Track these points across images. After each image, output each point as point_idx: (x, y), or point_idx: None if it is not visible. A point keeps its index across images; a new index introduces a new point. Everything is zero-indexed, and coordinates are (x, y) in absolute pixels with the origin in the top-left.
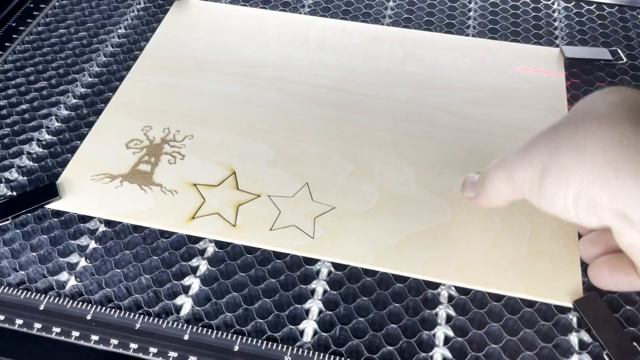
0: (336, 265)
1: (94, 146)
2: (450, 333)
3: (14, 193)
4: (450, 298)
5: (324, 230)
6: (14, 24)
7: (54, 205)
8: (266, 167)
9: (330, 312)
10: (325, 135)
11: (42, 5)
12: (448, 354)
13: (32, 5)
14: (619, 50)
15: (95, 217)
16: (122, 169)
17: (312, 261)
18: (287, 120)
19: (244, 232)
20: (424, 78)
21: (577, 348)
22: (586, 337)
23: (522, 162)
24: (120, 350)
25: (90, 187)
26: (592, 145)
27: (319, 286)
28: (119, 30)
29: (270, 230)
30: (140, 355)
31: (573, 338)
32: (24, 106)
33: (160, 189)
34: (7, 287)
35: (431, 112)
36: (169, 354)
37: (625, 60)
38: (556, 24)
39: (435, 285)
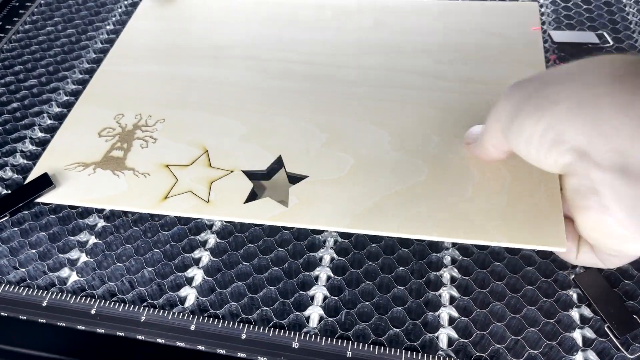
0: (338, 251)
1: (67, 138)
2: (455, 313)
3: (9, 191)
4: (453, 279)
5: (299, 199)
6: (0, 23)
7: (43, 199)
8: (239, 143)
9: (335, 298)
10: (297, 108)
11: (28, 4)
12: (454, 334)
13: (17, 4)
14: (605, 33)
15: (94, 213)
16: (95, 157)
17: (315, 248)
18: (258, 95)
19: (217, 207)
20: (396, 44)
21: (579, 323)
22: (587, 312)
23: (510, 97)
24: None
25: (64, 177)
26: (575, 86)
27: (323, 273)
28: (108, 27)
29: (244, 203)
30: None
31: (574, 313)
32: (14, 104)
33: (133, 173)
34: (8, 285)
35: (404, 76)
36: (177, 344)
37: (611, 43)
38: (543, 9)
39: (438, 267)
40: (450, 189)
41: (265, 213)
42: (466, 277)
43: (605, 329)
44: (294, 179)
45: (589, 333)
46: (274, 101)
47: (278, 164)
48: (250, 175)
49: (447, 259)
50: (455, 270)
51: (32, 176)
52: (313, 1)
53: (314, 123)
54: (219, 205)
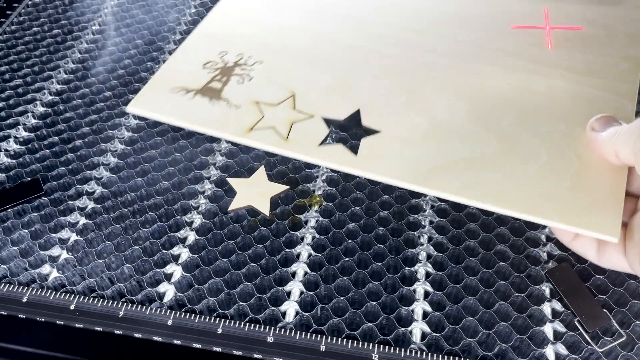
0: (315, 247)
1: (177, 64)
2: (428, 308)
3: None
4: (428, 275)
5: (368, 151)
6: None
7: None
8: (324, 93)
9: (311, 293)
10: (384, 70)
11: (15, 5)
12: (426, 328)
13: (4, 5)
14: None
15: (75, 211)
16: (196, 85)
17: (292, 244)
18: (350, 53)
19: (294, 146)
20: (495, 22)
21: (550, 317)
22: (558, 306)
23: None
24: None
25: (168, 98)
26: None
27: (300, 268)
28: (93, 27)
29: (319, 146)
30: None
31: (546, 308)
32: None
33: (227, 104)
34: None
35: (495, 55)
36: (153, 339)
37: None
38: None
39: (413, 263)
40: (514, 166)
41: (336, 158)
42: (440, 273)
43: (575, 322)
44: (368, 131)
45: (560, 327)
46: (363, 60)
47: (356, 116)
48: (328, 122)
49: (422, 255)
50: (430, 265)
51: (136, 101)
52: None
53: (396, 85)
54: (295, 144)
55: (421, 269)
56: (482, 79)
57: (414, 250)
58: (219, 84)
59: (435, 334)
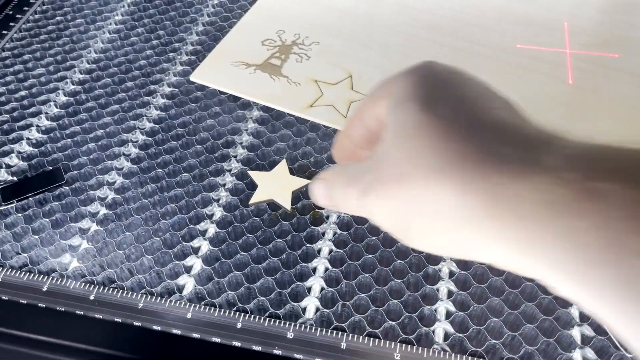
0: (337, 243)
1: (236, 39)
2: (452, 308)
3: (15, 178)
4: (452, 274)
5: None
6: (10, 12)
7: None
8: (379, 74)
9: (332, 289)
10: (434, 57)
11: None
12: (450, 328)
13: None
14: None
15: (96, 201)
16: (256, 60)
17: (313, 239)
18: (403, 39)
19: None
20: (544, 19)
21: (578, 320)
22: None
23: None
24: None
25: (229, 70)
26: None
27: (320, 264)
28: (116, 17)
29: None
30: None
31: (574, 311)
32: (22, 93)
33: (287, 80)
34: (10, 270)
35: (535, 52)
36: (172, 331)
37: None
38: None
39: (436, 261)
40: None
41: None
42: (465, 272)
43: (605, 327)
44: None
45: (588, 331)
46: (416, 46)
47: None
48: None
49: None
50: (454, 264)
51: (199, 71)
52: None
53: None
54: None
55: (445, 268)
56: (523, 72)
57: None
58: (278, 61)
59: (458, 334)
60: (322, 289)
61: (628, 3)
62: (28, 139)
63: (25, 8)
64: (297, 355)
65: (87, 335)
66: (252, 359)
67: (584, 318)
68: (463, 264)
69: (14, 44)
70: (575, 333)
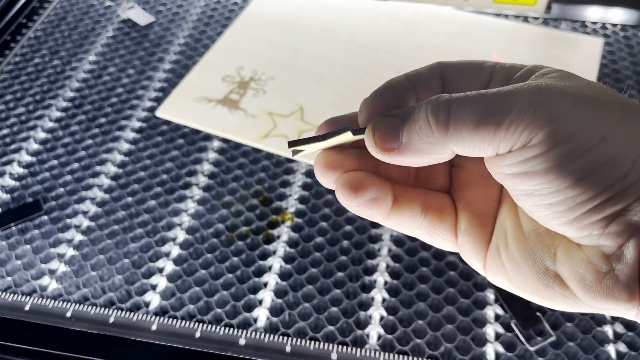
0: (286, 259)
1: (198, 76)
2: (384, 313)
3: (1, 211)
4: (385, 283)
5: None
6: None
7: (167, 116)
8: (329, 107)
9: (281, 300)
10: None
11: (19, 37)
12: (382, 331)
13: (9, 38)
14: None
15: (72, 228)
16: (217, 96)
17: (265, 256)
18: (351, 73)
19: (302, 151)
20: (464, 53)
21: (492, 320)
22: (499, 310)
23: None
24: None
25: (192, 105)
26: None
27: (271, 278)
28: (90, 58)
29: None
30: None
31: (489, 311)
32: (4, 131)
33: (244, 114)
34: None
35: None
36: (140, 340)
37: None
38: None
39: (372, 272)
40: None
41: None
42: (396, 281)
43: (512, 325)
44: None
45: (500, 329)
46: (363, 80)
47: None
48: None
49: (381, 265)
50: (388, 275)
51: (164, 107)
52: (410, 6)
53: None
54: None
55: (380, 278)
56: None
57: (374, 261)
58: (237, 96)
59: (389, 336)
60: (272, 300)
61: (558, 38)
62: (10, 173)
63: (6, 52)
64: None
65: (64, 345)
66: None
67: (497, 318)
68: (395, 275)
69: None
70: (489, 331)
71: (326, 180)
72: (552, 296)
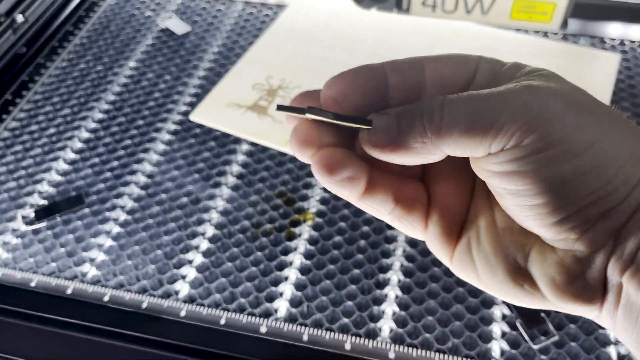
0: (306, 255)
1: (230, 84)
2: (397, 308)
3: (45, 202)
4: (399, 281)
5: None
6: (42, 61)
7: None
8: None
9: (300, 293)
10: None
11: (65, 44)
12: (393, 325)
13: (57, 44)
14: None
15: (110, 220)
16: (247, 102)
17: (287, 252)
18: None
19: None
20: None
21: (498, 319)
22: (506, 310)
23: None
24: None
25: (223, 111)
26: None
27: (292, 273)
28: (130, 64)
29: None
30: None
31: (496, 311)
32: (52, 130)
33: (272, 119)
34: (42, 275)
35: None
36: (168, 324)
37: None
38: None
39: (387, 270)
40: None
41: None
42: (409, 279)
43: (517, 324)
44: None
45: (505, 327)
46: None
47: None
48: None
49: (396, 264)
50: (401, 273)
51: (197, 111)
52: (434, 22)
53: None
54: None
55: (394, 276)
56: None
57: (388, 260)
58: (265, 103)
59: (400, 330)
60: (292, 292)
61: (576, 53)
62: (56, 169)
63: (54, 57)
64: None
65: (101, 319)
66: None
67: (504, 317)
68: (409, 273)
69: (45, 88)
70: (495, 329)
71: (302, 155)
72: (519, 294)
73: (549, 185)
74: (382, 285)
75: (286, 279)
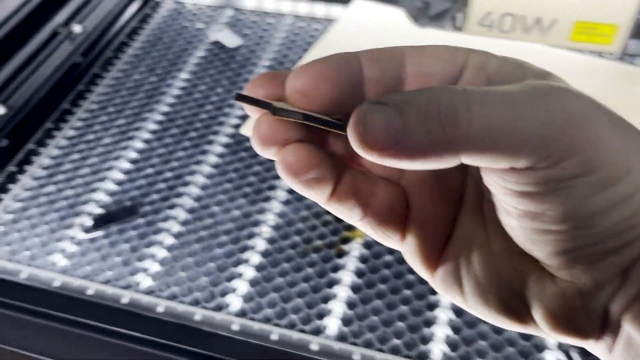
0: (356, 273)
1: None
2: (449, 331)
3: (102, 210)
4: (451, 303)
5: None
6: (98, 71)
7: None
8: None
9: (350, 312)
10: None
11: (120, 54)
12: (446, 348)
13: (112, 55)
14: None
15: (164, 231)
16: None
17: (337, 269)
18: None
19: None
20: None
21: (550, 346)
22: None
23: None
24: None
25: None
26: None
27: (342, 291)
28: (182, 75)
29: None
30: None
31: (549, 339)
32: (107, 140)
33: None
34: (98, 284)
35: None
36: (220, 339)
37: None
38: None
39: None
40: None
41: None
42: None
43: (571, 353)
44: None
45: (562, 356)
46: None
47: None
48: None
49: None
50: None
51: (248, 125)
52: (491, 41)
53: None
54: None
55: (445, 298)
56: None
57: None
58: None
59: (452, 353)
60: (343, 310)
61: (633, 73)
62: (112, 179)
63: (109, 67)
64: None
65: (154, 331)
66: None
67: (561, 346)
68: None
69: (100, 98)
70: (550, 357)
71: (264, 153)
72: (509, 320)
73: (576, 213)
74: (432, 306)
75: (336, 296)
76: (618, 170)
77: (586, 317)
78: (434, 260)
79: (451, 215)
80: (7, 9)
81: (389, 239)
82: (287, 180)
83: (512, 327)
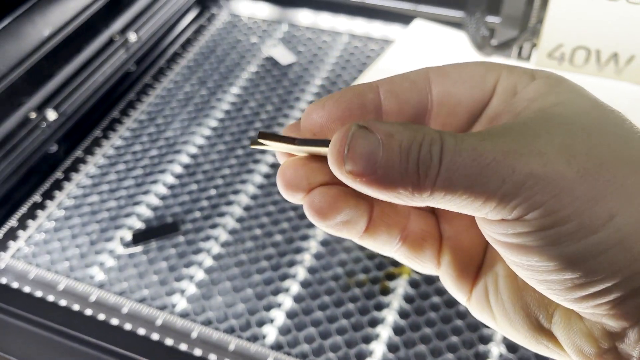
0: (401, 313)
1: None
2: None
3: (143, 225)
4: (500, 355)
5: None
6: (149, 81)
7: None
8: None
9: (392, 355)
10: None
11: (174, 65)
12: None
13: (166, 65)
14: None
15: (204, 251)
16: None
17: (380, 307)
18: None
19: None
20: None
21: None
22: None
23: None
24: None
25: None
26: None
27: (384, 330)
28: (233, 90)
29: None
30: None
31: None
32: (153, 152)
33: None
34: (134, 302)
35: None
36: None
37: None
38: None
39: (487, 340)
40: None
41: None
42: (512, 354)
43: None
44: None
45: None
46: None
47: None
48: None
49: (497, 336)
50: (503, 346)
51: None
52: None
53: None
54: None
55: (495, 349)
56: None
57: (489, 330)
58: None
59: None
60: (384, 353)
61: None
62: (155, 193)
63: (162, 78)
64: None
65: None
66: None
67: None
68: (512, 347)
69: (150, 109)
70: None
71: (291, 199)
72: (543, 351)
73: (568, 261)
74: (482, 356)
75: (377, 337)
76: (596, 216)
77: (618, 356)
78: (469, 285)
79: (483, 243)
80: (68, 12)
81: (424, 267)
82: (317, 225)
83: (547, 355)
